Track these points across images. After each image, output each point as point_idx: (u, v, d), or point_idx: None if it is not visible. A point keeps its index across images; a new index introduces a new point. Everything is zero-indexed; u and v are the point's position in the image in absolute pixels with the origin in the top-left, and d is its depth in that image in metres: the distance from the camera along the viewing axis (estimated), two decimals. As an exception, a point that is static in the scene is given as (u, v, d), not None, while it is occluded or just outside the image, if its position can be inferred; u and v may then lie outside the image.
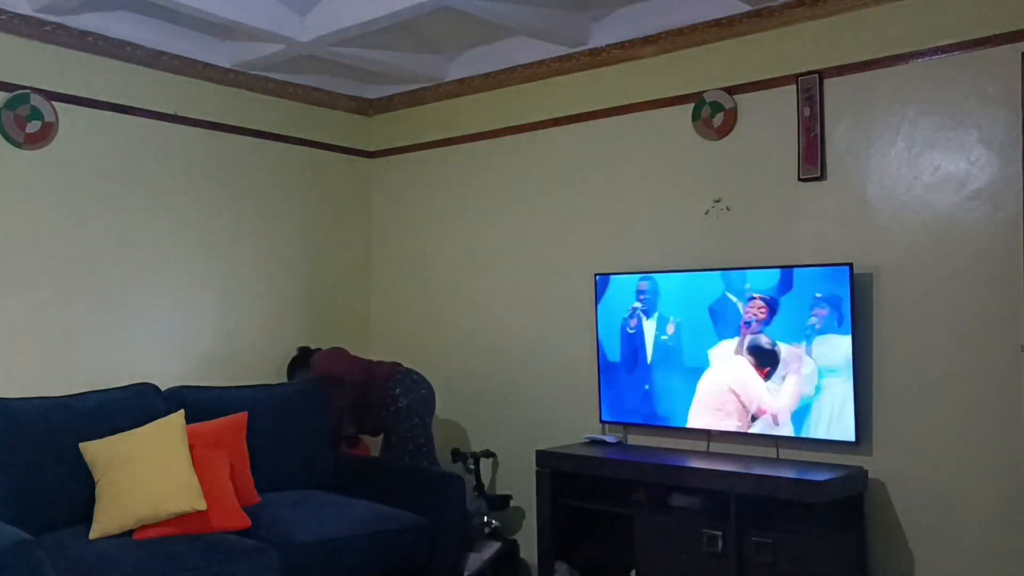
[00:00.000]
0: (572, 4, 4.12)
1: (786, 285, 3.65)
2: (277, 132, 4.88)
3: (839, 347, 3.50)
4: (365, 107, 5.30)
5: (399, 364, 4.48)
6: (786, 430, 3.65)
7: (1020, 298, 3.24)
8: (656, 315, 4.01)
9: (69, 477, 3.40)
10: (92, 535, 3.24)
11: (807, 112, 3.73)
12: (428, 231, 5.09)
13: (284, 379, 4.75)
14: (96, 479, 3.37)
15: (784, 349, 3.64)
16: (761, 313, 3.70)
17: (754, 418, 3.73)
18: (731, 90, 3.95)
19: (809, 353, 3.58)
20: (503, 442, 4.63)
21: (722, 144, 3.98)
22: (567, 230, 4.46)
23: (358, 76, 4.98)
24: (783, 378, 3.65)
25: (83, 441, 3.42)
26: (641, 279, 4.06)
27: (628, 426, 4.16)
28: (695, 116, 4.04)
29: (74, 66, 4.07)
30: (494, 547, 4.21)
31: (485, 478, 4.62)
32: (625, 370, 4.10)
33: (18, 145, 3.88)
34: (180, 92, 4.45)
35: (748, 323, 3.74)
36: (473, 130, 4.88)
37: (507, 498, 4.45)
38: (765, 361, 3.70)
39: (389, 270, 5.29)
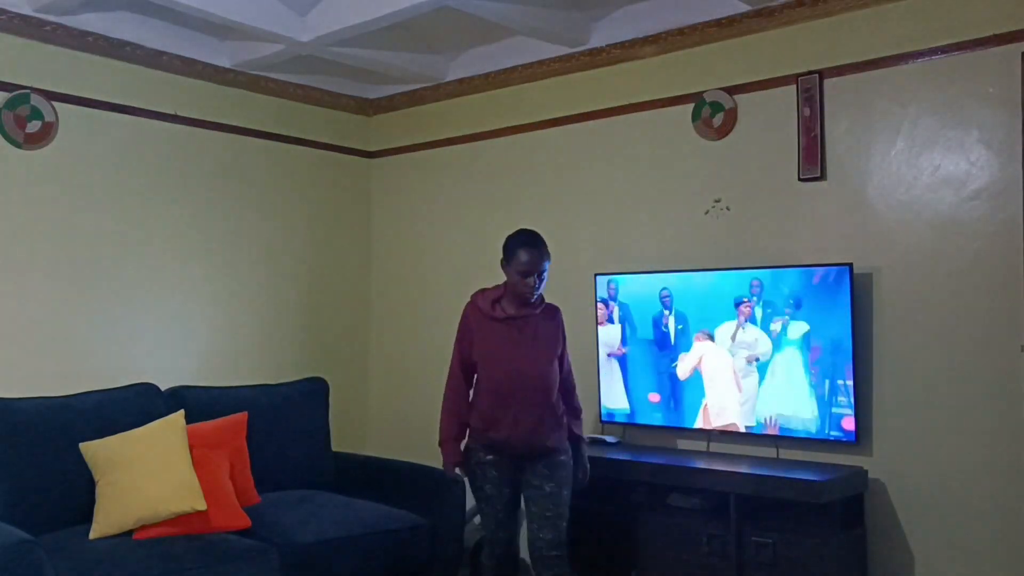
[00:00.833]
0: (572, 4, 4.12)
1: (786, 285, 3.65)
2: (277, 132, 4.88)
3: (838, 346, 3.50)
4: (365, 107, 5.29)
5: None
6: (783, 429, 3.65)
7: (1020, 298, 3.24)
8: (656, 315, 4.01)
9: (69, 477, 3.39)
10: (92, 535, 3.24)
11: (807, 112, 3.72)
12: (428, 231, 5.09)
13: (284, 379, 4.74)
14: (96, 479, 3.37)
15: (779, 351, 3.65)
16: (760, 313, 3.70)
17: (752, 418, 3.73)
18: (731, 90, 3.95)
19: (806, 353, 3.58)
20: (503, 442, 4.62)
21: (722, 144, 3.98)
22: (567, 230, 4.45)
23: (358, 76, 4.98)
24: (780, 378, 3.65)
25: (83, 441, 3.42)
26: (640, 279, 4.06)
27: (627, 426, 4.15)
28: (695, 116, 4.04)
29: (74, 66, 4.07)
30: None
31: (485, 478, 4.61)
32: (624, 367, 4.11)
33: (18, 145, 3.88)
34: (180, 92, 4.45)
35: (746, 323, 3.73)
36: (473, 130, 4.88)
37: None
38: (761, 361, 3.69)
39: (389, 270, 5.28)
